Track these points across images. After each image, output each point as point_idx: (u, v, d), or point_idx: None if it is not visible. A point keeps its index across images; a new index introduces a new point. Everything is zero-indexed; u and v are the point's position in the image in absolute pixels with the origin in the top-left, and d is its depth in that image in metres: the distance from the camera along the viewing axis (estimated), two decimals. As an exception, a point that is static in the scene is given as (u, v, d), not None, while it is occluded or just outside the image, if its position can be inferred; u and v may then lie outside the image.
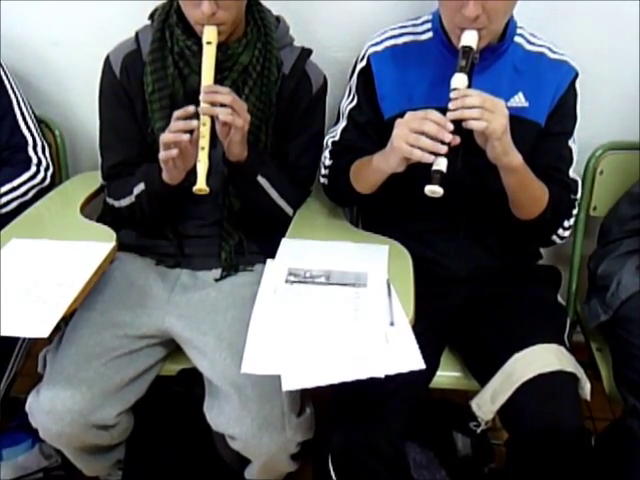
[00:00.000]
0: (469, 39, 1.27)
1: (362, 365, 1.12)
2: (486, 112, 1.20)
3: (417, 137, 1.21)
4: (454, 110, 1.21)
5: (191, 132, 1.29)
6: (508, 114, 1.23)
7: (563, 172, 1.45)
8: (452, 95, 1.23)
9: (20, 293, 1.22)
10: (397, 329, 1.19)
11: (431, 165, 1.21)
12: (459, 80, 1.24)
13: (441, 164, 1.21)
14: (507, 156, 1.26)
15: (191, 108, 1.29)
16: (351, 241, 1.46)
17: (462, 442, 1.74)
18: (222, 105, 1.30)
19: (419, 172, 1.22)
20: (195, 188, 1.29)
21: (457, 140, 1.21)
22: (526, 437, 1.29)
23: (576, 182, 1.48)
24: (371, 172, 1.37)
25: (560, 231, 1.48)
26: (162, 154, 1.31)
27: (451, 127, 1.20)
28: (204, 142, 1.29)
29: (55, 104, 1.87)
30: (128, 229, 1.56)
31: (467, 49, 1.26)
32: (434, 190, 1.20)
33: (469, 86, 1.25)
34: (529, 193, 1.36)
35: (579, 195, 1.49)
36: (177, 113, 1.30)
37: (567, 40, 1.51)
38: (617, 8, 1.66)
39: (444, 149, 1.20)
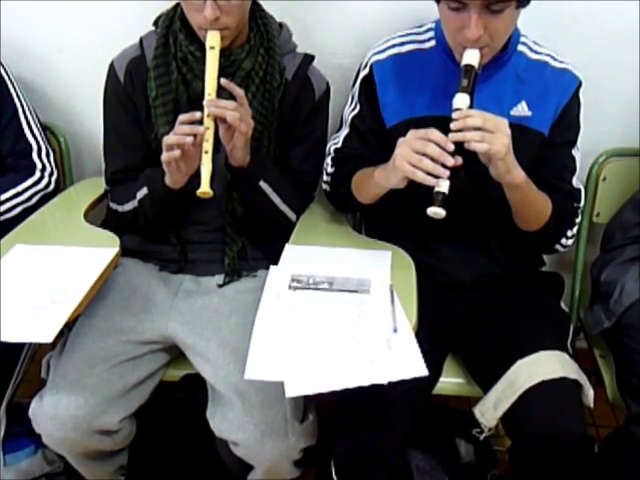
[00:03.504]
0: (471, 58, 1.27)
1: (365, 372, 1.12)
2: (487, 134, 1.20)
3: (419, 158, 1.21)
4: (456, 131, 1.21)
5: (195, 135, 1.29)
6: (510, 133, 1.22)
7: (567, 181, 1.45)
8: (454, 115, 1.23)
9: (24, 299, 1.23)
10: (400, 336, 1.19)
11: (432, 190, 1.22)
12: (461, 100, 1.24)
13: (443, 186, 1.21)
14: (510, 174, 1.27)
15: (197, 114, 1.30)
16: (354, 247, 1.47)
17: (465, 449, 1.73)
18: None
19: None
20: (199, 191, 1.29)
21: (459, 161, 1.21)
22: (529, 444, 1.28)
23: (579, 190, 1.48)
24: (372, 185, 1.38)
25: (563, 240, 1.48)
26: (165, 155, 1.32)
27: (452, 147, 1.20)
28: (207, 146, 1.30)
29: (60, 110, 1.87)
30: (131, 235, 1.56)
31: (469, 68, 1.26)
32: (436, 212, 1.21)
33: (471, 105, 1.24)
34: (532, 207, 1.37)
35: (582, 203, 1.50)
36: (182, 117, 1.31)
37: (569, 48, 1.52)
38: (619, 16, 1.66)
39: (446, 173, 1.20)
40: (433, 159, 1.20)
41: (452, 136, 1.21)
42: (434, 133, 1.22)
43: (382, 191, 1.37)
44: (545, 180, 1.38)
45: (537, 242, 1.48)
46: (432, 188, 1.21)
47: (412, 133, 1.24)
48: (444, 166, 1.20)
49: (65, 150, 1.83)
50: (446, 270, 1.50)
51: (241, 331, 1.35)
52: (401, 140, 1.25)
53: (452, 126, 1.22)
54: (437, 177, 1.20)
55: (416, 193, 1.25)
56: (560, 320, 1.50)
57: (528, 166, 1.30)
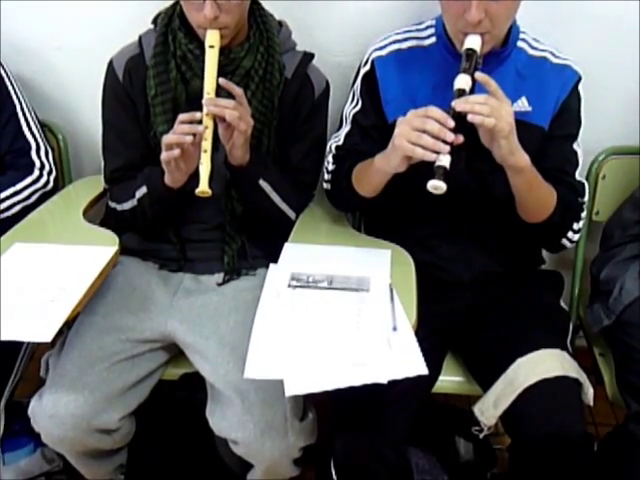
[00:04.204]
0: (472, 42, 1.27)
1: (365, 370, 1.11)
2: (494, 109, 1.19)
3: (419, 135, 1.19)
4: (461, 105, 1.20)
5: (194, 135, 1.29)
6: (513, 113, 1.22)
7: (569, 174, 1.44)
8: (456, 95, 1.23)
9: (23, 297, 1.22)
10: (400, 334, 1.19)
11: (433, 165, 1.20)
12: (462, 81, 1.24)
13: (444, 160, 1.19)
14: (514, 156, 1.25)
15: (197, 114, 1.29)
16: (354, 246, 1.47)
17: (464, 447, 1.74)
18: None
19: (422, 177, 1.21)
20: (197, 190, 1.29)
21: (460, 139, 1.20)
22: (529, 442, 1.28)
23: (583, 184, 1.46)
24: (373, 173, 1.36)
25: (570, 234, 1.45)
26: (164, 155, 1.31)
27: (452, 124, 1.19)
28: (206, 145, 1.30)
29: (58, 108, 1.87)
30: (131, 233, 1.56)
31: (470, 52, 1.26)
32: (437, 185, 1.18)
33: (472, 90, 1.24)
34: (537, 195, 1.35)
35: (587, 198, 1.47)
36: (182, 117, 1.31)
37: (569, 45, 1.51)
38: (619, 13, 1.66)
39: (446, 148, 1.18)
40: (433, 136, 1.19)
41: (459, 106, 1.19)
42: (434, 111, 1.20)
43: (384, 178, 1.35)
44: (548, 173, 1.36)
45: (543, 235, 1.46)
46: (432, 175, 1.20)
47: (412, 112, 1.23)
48: (445, 142, 1.18)
49: (64, 148, 1.83)
50: (446, 268, 1.50)
51: (240, 329, 1.35)
52: (400, 119, 1.24)
53: (453, 103, 1.21)
54: (437, 153, 1.19)
55: (416, 190, 1.25)
56: (560, 318, 1.50)
57: (531, 161, 1.30)
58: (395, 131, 1.24)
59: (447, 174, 1.19)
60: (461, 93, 1.23)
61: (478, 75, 1.23)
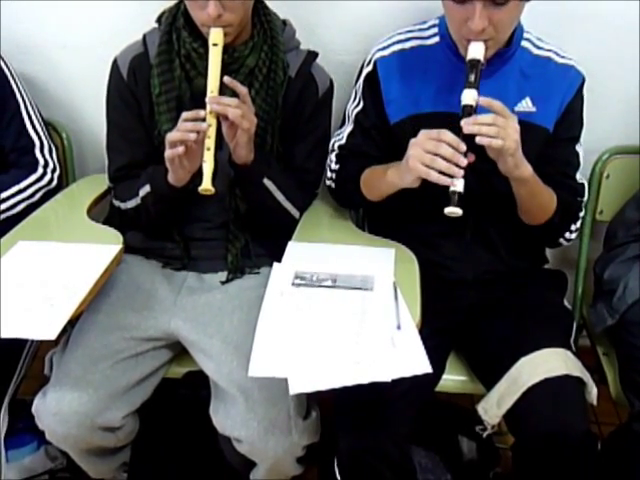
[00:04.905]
0: (476, 51, 1.26)
1: (369, 369, 1.11)
2: (501, 129, 1.20)
3: (432, 158, 1.21)
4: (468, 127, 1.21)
5: (198, 132, 1.29)
6: (519, 128, 1.23)
7: (571, 177, 1.46)
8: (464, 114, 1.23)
9: (27, 295, 1.23)
10: (404, 333, 1.19)
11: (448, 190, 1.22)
12: (469, 96, 1.24)
13: (458, 185, 1.21)
14: (518, 169, 1.27)
15: (201, 112, 1.29)
16: (357, 244, 1.47)
17: (468, 446, 1.74)
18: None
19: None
20: (201, 188, 1.29)
21: (472, 158, 1.21)
22: (532, 441, 1.28)
23: (583, 185, 1.49)
24: (383, 184, 1.39)
25: (567, 234, 1.49)
26: (168, 152, 1.31)
27: (464, 148, 1.20)
28: (210, 143, 1.29)
29: (62, 107, 1.87)
30: (134, 231, 1.56)
31: (475, 62, 1.26)
32: (453, 211, 1.21)
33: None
34: (538, 201, 1.38)
35: (586, 198, 1.50)
36: (186, 115, 1.31)
37: (571, 46, 1.51)
38: (622, 12, 1.66)
39: (460, 172, 1.20)
40: (446, 159, 1.20)
41: (466, 128, 1.20)
42: (446, 134, 1.21)
43: (394, 189, 1.37)
44: (549, 176, 1.38)
45: (542, 236, 1.49)
46: (436, 185, 1.21)
47: (424, 133, 1.24)
48: (457, 166, 1.20)
49: (67, 147, 1.83)
50: (449, 267, 1.50)
51: (244, 328, 1.35)
52: (413, 141, 1.25)
53: (462, 123, 1.21)
54: (451, 176, 1.20)
55: (420, 191, 1.25)
56: (563, 318, 1.50)
57: (533, 162, 1.30)
58: (408, 152, 1.25)
59: (461, 199, 1.20)
60: (468, 110, 1.23)
61: (482, 100, 1.23)
